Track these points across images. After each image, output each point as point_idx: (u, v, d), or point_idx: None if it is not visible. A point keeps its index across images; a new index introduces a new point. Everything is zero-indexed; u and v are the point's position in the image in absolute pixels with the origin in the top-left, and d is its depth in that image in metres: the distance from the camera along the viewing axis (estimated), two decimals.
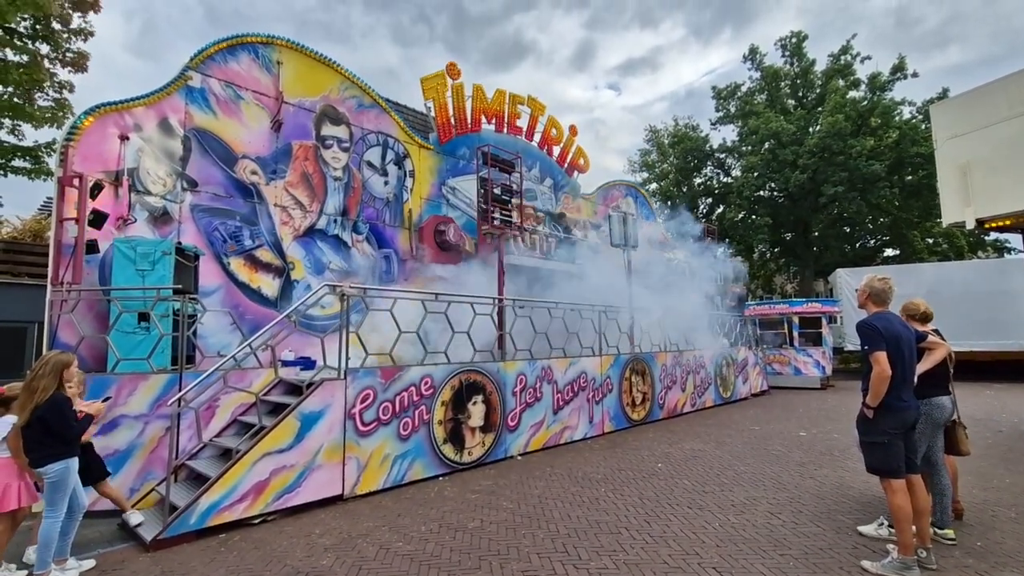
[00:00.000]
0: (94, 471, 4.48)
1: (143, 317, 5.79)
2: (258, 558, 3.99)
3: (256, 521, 4.74)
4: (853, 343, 16.27)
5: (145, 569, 3.86)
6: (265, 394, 5.79)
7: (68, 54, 11.54)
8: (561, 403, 7.91)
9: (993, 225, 7.69)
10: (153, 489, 5.19)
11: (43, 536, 3.64)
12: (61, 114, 11.62)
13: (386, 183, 9.83)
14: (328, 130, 9.04)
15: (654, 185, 28.50)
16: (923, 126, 20.91)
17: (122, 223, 6.67)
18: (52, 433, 3.61)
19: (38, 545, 3.66)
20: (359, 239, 9.27)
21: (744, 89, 26.96)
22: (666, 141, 29.04)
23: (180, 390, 5.10)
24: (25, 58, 10.90)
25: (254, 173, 8.03)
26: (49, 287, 5.95)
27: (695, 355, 11.35)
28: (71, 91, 11.95)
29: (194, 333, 6.17)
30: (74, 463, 3.77)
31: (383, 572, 3.68)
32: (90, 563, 3.90)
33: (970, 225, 7.48)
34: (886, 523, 4.11)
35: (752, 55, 26.35)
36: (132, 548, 4.29)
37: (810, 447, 7.40)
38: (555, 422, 7.78)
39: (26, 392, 3.62)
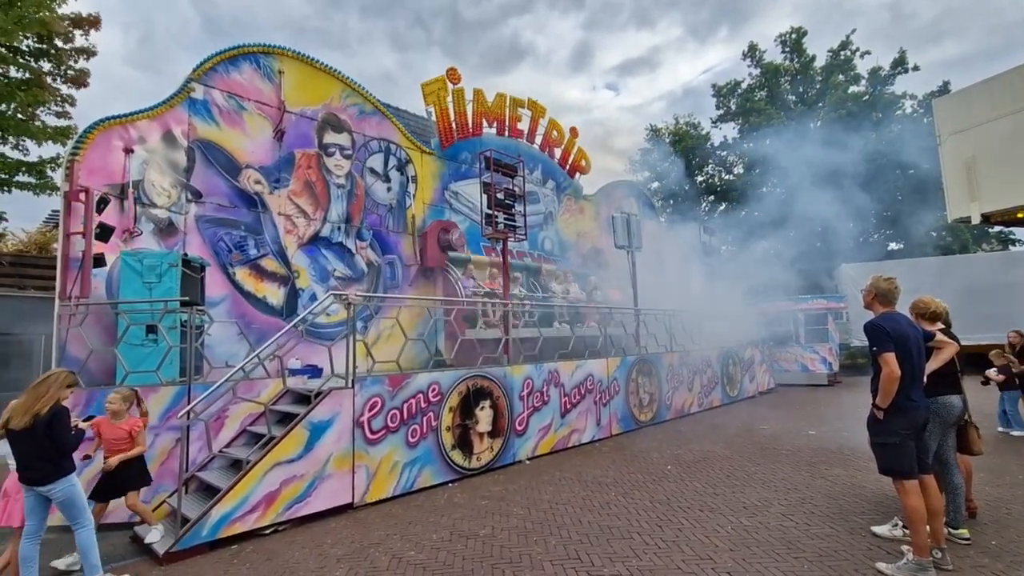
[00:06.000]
0: (136, 478, 4.45)
1: (151, 329, 5.81)
2: (271, 570, 3.99)
3: (267, 532, 4.75)
4: (860, 339, 16.20)
5: None
6: (273, 404, 5.80)
7: (69, 71, 11.63)
8: (568, 406, 7.90)
9: (999, 219, 7.67)
10: (164, 501, 5.19)
11: (84, 546, 3.68)
12: (64, 130, 11.71)
13: (389, 189, 9.85)
14: (330, 138, 9.07)
15: (656, 184, 28.48)
16: (925, 120, 20.86)
17: (128, 236, 6.71)
18: (55, 446, 3.56)
19: (81, 557, 3.71)
20: (363, 246, 9.29)
21: (744, 86, 26.95)
22: (667, 140, 29.03)
23: (189, 402, 5.13)
24: (28, 75, 10.98)
25: (258, 183, 8.06)
26: (57, 301, 5.98)
27: (701, 355, 11.32)
28: (72, 105, 12.04)
29: (201, 344, 6.19)
30: (75, 477, 3.73)
31: None
32: None
33: (975, 220, 7.46)
34: (900, 524, 4.09)
35: (752, 52, 26.35)
36: (144, 561, 4.30)
37: (820, 446, 7.37)
38: (563, 425, 7.77)
39: (32, 395, 3.55)
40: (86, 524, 3.72)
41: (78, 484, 3.74)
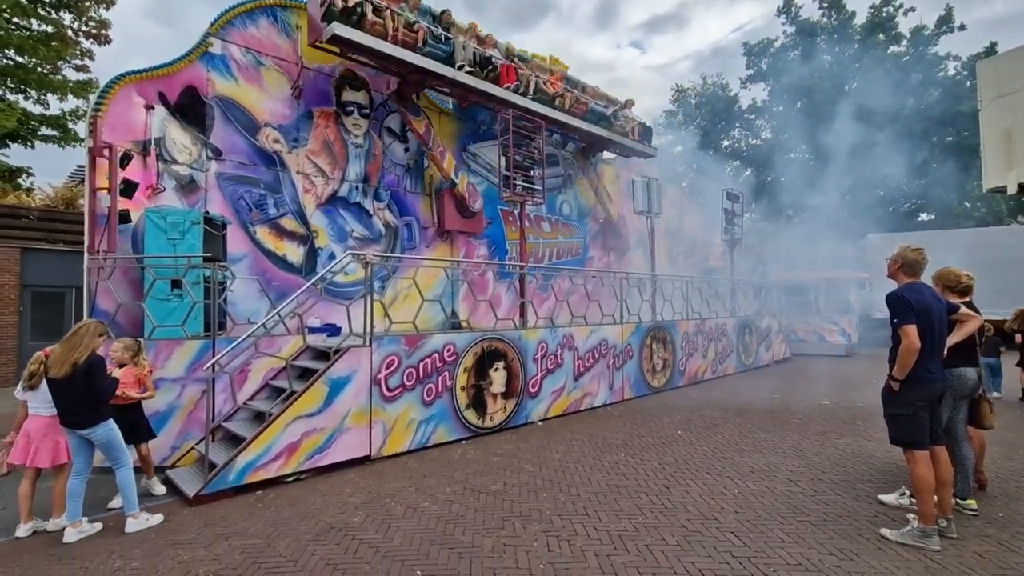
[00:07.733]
0: (139, 431, 4.74)
1: (176, 284, 5.97)
2: (293, 514, 4.21)
3: (290, 479, 4.98)
4: (882, 311, 15.94)
5: (188, 522, 4.11)
6: (294, 359, 5.98)
7: (90, 23, 11.60)
8: (582, 370, 7.99)
9: None
10: (193, 448, 5.47)
11: (123, 484, 3.95)
12: (85, 84, 11.78)
13: (406, 150, 9.77)
14: (348, 96, 8.97)
15: (679, 148, 27.76)
16: (967, 83, 19.82)
17: (151, 192, 6.80)
18: (94, 392, 3.76)
19: (121, 493, 3.99)
20: (380, 207, 9.31)
21: (777, 45, 25.75)
22: (693, 102, 28.10)
23: (213, 355, 5.31)
24: (50, 28, 10.98)
25: (276, 141, 8.05)
26: (86, 255, 6.15)
27: (717, 323, 11.27)
28: (92, 59, 12.07)
29: (224, 300, 6.35)
30: (112, 421, 3.96)
31: (412, 530, 3.86)
32: (98, 526, 4.00)
33: (1012, 190, 7.17)
34: (907, 493, 4.12)
35: (787, 8, 25.04)
36: (176, 503, 4.56)
37: (832, 415, 7.38)
38: (575, 388, 7.88)
39: (67, 346, 3.74)
40: (126, 464, 3.99)
41: (115, 427, 3.98)
